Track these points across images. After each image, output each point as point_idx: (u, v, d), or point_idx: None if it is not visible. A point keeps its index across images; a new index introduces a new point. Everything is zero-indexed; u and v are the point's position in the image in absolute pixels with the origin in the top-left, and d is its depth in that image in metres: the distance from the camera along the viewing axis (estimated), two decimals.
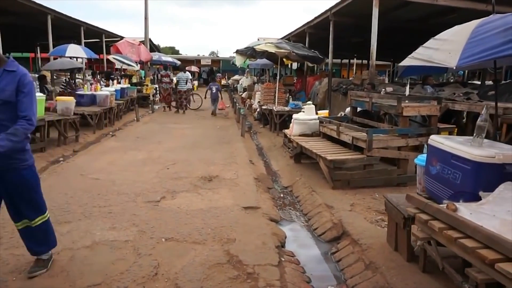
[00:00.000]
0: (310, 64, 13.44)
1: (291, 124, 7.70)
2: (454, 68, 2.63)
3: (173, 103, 14.98)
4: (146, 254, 3.30)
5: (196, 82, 26.28)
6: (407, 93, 6.85)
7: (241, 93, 20.59)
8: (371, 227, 3.98)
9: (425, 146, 5.62)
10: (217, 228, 3.90)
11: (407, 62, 3.36)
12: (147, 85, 17.06)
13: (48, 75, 12.71)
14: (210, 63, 38.84)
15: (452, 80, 15.88)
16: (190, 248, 3.44)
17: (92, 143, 8.62)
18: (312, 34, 13.49)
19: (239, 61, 12.14)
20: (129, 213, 4.24)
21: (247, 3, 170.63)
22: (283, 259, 3.37)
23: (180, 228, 3.86)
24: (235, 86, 25.84)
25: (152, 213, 4.28)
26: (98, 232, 3.72)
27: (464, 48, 2.68)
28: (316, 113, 7.84)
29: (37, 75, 12.10)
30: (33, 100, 2.70)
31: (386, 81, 13.67)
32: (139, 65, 17.74)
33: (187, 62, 31.48)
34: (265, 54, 11.06)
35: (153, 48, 25.67)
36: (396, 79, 14.83)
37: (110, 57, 15.59)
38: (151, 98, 16.19)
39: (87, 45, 14.94)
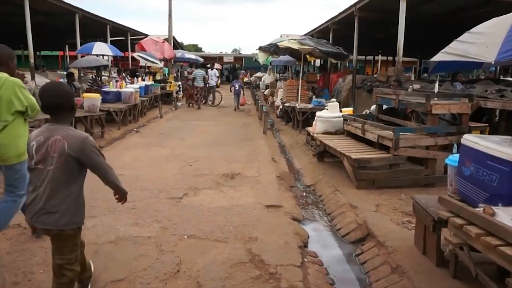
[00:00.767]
0: (333, 61, 13.20)
1: (314, 122, 7.59)
2: (492, 63, 2.45)
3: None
4: (169, 250, 3.31)
5: (218, 80, 26.35)
6: (436, 90, 6.61)
7: (263, 90, 20.50)
8: (398, 229, 3.85)
9: (455, 145, 5.41)
10: (239, 226, 3.87)
11: (439, 57, 3.19)
12: (170, 82, 17.27)
13: (75, 72, 13.07)
14: (232, 61, 38.90)
15: (483, 77, 15.19)
16: (212, 246, 3.43)
17: (117, 139, 8.80)
18: (336, 30, 13.25)
19: (261, 58, 12.05)
20: (152, 209, 4.28)
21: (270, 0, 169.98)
22: (306, 260, 3.31)
23: (202, 226, 3.85)
24: (257, 83, 25.74)
25: (175, 209, 4.30)
26: (121, 227, 3.76)
27: (504, 42, 2.49)
28: (340, 111, 7.69)
29: (65, 73, 12.49)
30: None
31: (412, 78, 13.26)
32: (162, 62, 17.96)
33: (209, 59, 31.63)
34: (288, 50, 10.91)
35: (177, 45, 25.89)
36: (425, 75, 14.35)
37: (135, 54, 15.87)
38: (174, 95, 16.41)
39: (113, 43, 15.20)
